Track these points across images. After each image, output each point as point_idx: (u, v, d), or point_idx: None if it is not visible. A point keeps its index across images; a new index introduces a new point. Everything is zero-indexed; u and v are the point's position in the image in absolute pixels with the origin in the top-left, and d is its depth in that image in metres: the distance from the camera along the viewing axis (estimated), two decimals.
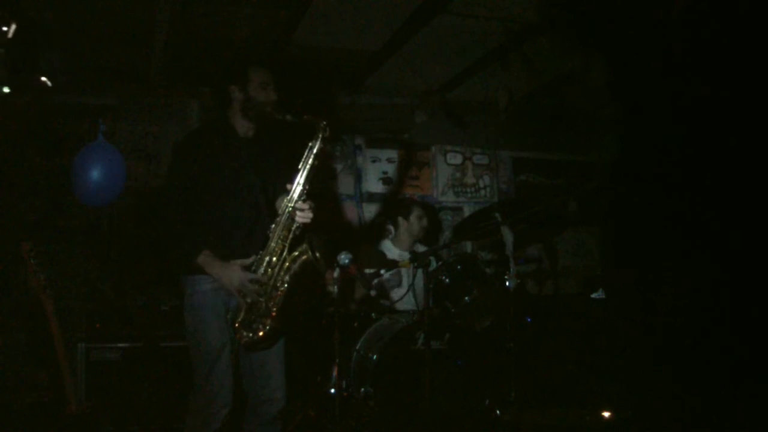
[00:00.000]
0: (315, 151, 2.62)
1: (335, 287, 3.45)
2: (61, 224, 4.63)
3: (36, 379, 3.98)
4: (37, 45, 1.25)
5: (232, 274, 2.54)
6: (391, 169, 5.79)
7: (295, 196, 2.59)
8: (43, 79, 1.24)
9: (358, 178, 5.67)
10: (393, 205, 4.83)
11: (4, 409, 3.81)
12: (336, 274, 3.49)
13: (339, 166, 5.62)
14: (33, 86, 1.20)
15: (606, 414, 3.72)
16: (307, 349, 4.10)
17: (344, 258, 3.50)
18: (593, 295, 4.86)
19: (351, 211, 5.61)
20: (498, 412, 3.71)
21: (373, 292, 4.23)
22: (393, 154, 5.81)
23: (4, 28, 1.20)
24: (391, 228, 4.69)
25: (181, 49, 4.42)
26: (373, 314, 4.07)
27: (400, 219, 4.53)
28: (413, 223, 4.46)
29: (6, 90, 1.16)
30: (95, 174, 4.12)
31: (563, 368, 4.29)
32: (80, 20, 3.99)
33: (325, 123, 2.63)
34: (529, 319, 4.32)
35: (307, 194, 2.62)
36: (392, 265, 4.13)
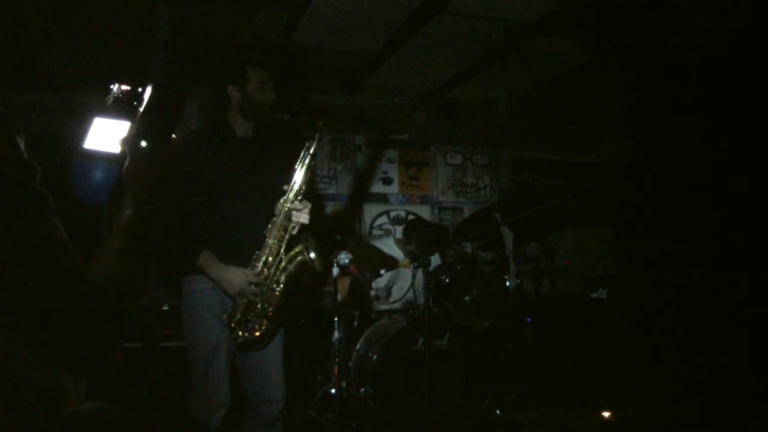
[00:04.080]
0: (312, 150, 2.62)
1: (334, 288, 3.46)
2: (61, 224, 4.62)
3: (36, 379, 3.98)
4: (172, 104, 1.32)
5: (233, 277, 2.54)
6: (391, 169, 5.79)
7: (292, 195, 2.59)
8: (173, 136, 1.31)
9: (358, 178, 5.67)
10: (407, 223, 4.89)
11: (4, 409, 3.81)
12: (336, 273, 3.50)
13: (339, 166, 5.62)
14: (167, 142, 1.28)
15: (606, 414, 3.72)
16: (307, 349, 4.10)
17: (344, 258, 3.51)
18: (593, 295, 4.86)
19: (351, 211, 5.61)
20: (498, 412, 3.71)
21: (372, 292, 4.23)
22: (393, 154, 5.81)
23: (140, 89, 1.28)
24: (392, 227, 4.72)
25: (181, 49, 4.42)
26: (372, 314, 4.08)
27: (404, 239, 4.63)
28: (400, 242, 4.53)
29: (144, 144, 1.25)
30: (95, 174, 4.11)
31: (563, 368, 4.29)
32: (80, 20, 3.99)
33: (322, 123, 2.62)
34: (529, 319, 4.32)
35: (304, 194, 2.62)
36: (392, 262, 4.14)
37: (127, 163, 1.31)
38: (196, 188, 2.63)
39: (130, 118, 1.32)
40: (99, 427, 1.19)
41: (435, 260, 3.99)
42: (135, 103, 1.32)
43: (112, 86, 1.33)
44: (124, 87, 1.33)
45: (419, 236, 4.53)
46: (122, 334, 1.28)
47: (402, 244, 4.59)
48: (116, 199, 1.32)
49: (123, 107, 1.33)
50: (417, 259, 3.45)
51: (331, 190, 5.56)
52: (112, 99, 1.33)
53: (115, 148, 1.33)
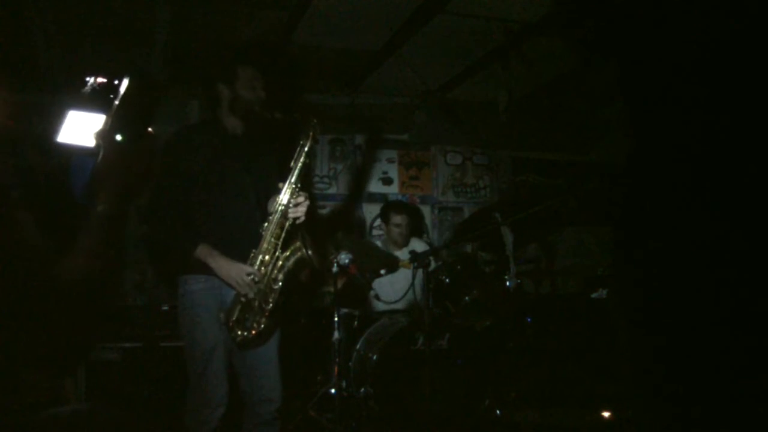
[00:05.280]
0: (306, 149, 2.61)
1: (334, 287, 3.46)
2: (62, 224, 4.62)
3: (36, 380, 3.98)
4: (149, 97, 1.29)
5: (231, 266, 2.54)
6: (391, 169, 5.79)
7: (287, 194, 2.59)
8: (150, 129, 1.28)
9: (358, 178, 5.67)
10: (383, 207, 4.85)
11: (4, 409, 3.81)
12: (335, 272, 3.50)
13: (339, 166, 5.62)
14: (143, 136, 1.25)
15: (606, 414, 3.72)
16: (307, 349, 4.10)
17: (344, 258, 3.51)
18: (593, 295, 4.86)
19: (351, 211, 5.61)
20: (498, 412, 3.71)
21: (372, 292, 4.23)
22: (393, 154, 5.81)
23: (116, 82, 1.26)
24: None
25: (181, 49, 4.42)
26: (373, 314, 4.08)
27: (383, 223, 4.61)
28: (391, 229, 4.50)
29: (119, 138, 1.21)
30: None
31: (563, 368, 4.29)
32: (80, 20, 4.00)
33: (315, 120, 2.62)
34: (529, 319, 4.32)
35: (299, 191, 2.61)
36: (392, 262, 4.14)
37: (100, 156, 1.27)
38: (191, 186, 2.63)
39: (105, 111, 1.29)
40: (82, 427, 1.18)
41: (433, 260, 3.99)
42: (111, 96, 1.29)
43: (87, 78, 1.31)
44: (100, 79, 1.30)
45: (407, 211, 4.52)
46: (94, 331, 1.25)
47: (391, 224, 4.54)
48: (91, 195, 1.29)
49: (99, 99, 1.29)
50: (417, 259, 3.45)
51: (331, 190, 5.56)
52: (87, 91, 1.30)
53: (90, 141, 1.30)
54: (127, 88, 1.29)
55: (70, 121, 1.30)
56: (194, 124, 3.10)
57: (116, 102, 1.27)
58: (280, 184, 2.59)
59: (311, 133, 2.61)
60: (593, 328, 4.49)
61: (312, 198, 2.70)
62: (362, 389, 3.62)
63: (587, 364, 4.26)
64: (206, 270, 2.58)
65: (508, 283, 3.79)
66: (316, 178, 5.49)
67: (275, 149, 2.85)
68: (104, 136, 1.27)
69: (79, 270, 1.20)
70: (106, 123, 1.28)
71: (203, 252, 2.55)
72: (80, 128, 1.30)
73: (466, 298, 3.77)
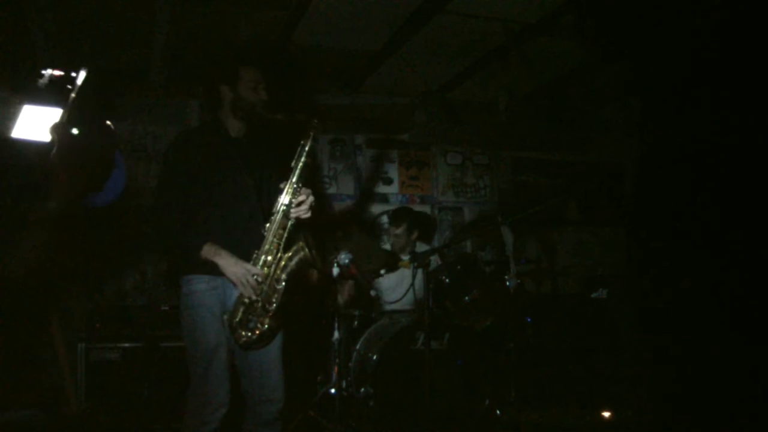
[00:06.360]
0: (307, 149, 2.61)
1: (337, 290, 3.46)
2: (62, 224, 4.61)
3: (36, 379, 3.99)
4: (105, 90, 1.27)
5: (237, 265, 2.54)
6: (391, 169, 5.79)
7: (289, 194, 2.59)
8: (108, 123, 1.24)
9: (358, 178, 5.67)
10: (392, 211, 4.87)
11: (4, 409, 3.81)
12: (336, 274, 3.50)
13: (339, 166, 5.62)
14: (101, 130, 1.21)
15: (606, 414, 3.73)
16: (307, 349, 4.10)
17: (344, 258, 3.51)
18: (593, 295, 4.86)
19: (351, 211, 5.61)
20: (498, 412, 3.71)
21: (373, 292, 4.23)
22: (393, 154, 5.82)
23: (73, 74, 1.22)
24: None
25: (181, 49, 4.42)
26: (373, 314, 4.08)
27: (389, 227, 4.63)
28: (397, 234, 4.52)
29: (75, 131, 1.18)
30: None
31: (563, 368, 4.29)
32: (80, 20, 3.99)
33: (316, 121, 2.62)
34: (529, 319, 4.33)
35: (301, 191, 2.62)
36: (392, 262, 4.15)
37: (54, 151, 1.24)
38: (193, 187, 2.63)
39: (61, 105, 1.25)
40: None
41: (434, 260, 3.99)
42: (69, 87, 1.26)
43: (44, 71, 1.28)
44: (57, 72, 1.27)
45: (409, 221, 4.53)
46: (46, 329, 1.24)
47: (391, 234, 4.57)
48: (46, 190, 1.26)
49: (55, 92, 1.26)
50: (417, 259, 3.45)
51: (331, 190, 5.55)
52: (44, 84, 1.27)
53: (45, 136, 1.26)
54: (85, 80, 1.25)
55: (25, 116, 1.26)
56: (196, 127, 3.10)
57: (73, 94, 1.24)
58: (282, 185, 2.60)
59: (311, 133, 2.61)
60: (593, 328, 4.50)
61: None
62: (362, 389, 3.62)
63: (587, 364, 4.27)
64: (209, 270, 2.58)
65: (508, 283, 3.80)
66: (316, 178, 5.49)
67: (277, 150, 2.85)
68: (59, 129, 1.23)
69: (29, 267, 1.19)
70: (62, 116, 1.25)
71: (209, 250, 2.54)
72: (36, 123, 1.26)
73: (466, 298, 3.77)
